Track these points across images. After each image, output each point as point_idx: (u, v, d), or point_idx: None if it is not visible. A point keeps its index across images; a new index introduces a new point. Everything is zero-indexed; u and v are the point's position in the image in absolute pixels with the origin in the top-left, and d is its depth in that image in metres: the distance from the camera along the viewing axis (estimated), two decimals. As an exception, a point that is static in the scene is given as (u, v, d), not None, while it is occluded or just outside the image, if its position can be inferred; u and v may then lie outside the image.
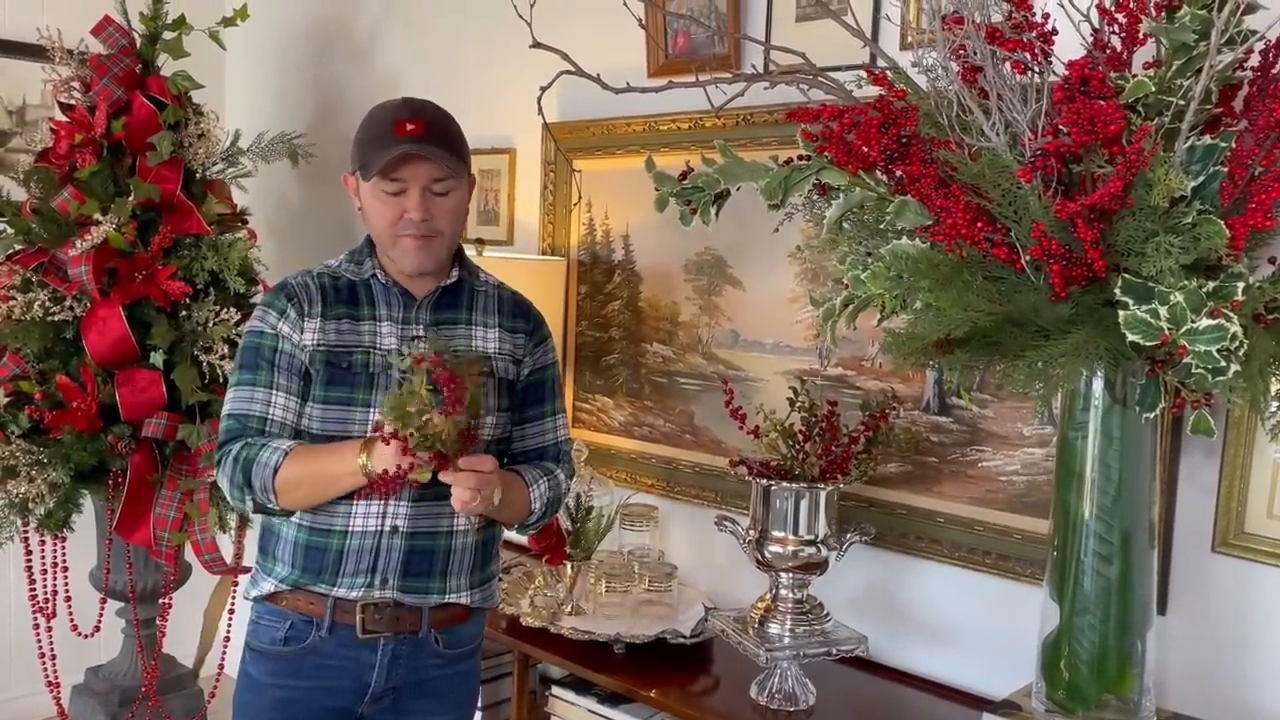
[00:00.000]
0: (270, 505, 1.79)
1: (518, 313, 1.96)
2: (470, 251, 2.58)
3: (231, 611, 3.01)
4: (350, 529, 1.81)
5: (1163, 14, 1.42)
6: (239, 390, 1.84)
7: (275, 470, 1.75)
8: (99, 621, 2.95)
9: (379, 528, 1.81)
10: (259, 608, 1.89)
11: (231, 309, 2.72)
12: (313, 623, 1.83)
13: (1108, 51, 1.49)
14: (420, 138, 1.76)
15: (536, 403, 1.95)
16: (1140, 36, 1.46)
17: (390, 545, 1.81)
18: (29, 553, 2.78)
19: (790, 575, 2.03)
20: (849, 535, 2.04)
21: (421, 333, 1.83)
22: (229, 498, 1.83)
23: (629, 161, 2.63)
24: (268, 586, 1.86)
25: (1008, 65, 1.43)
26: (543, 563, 2.55)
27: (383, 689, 1.86)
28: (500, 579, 2.52)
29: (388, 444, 1.62)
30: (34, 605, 2.84)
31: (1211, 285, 1.30)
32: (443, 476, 1.65)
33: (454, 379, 1.60)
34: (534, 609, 2.40)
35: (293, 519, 1.83)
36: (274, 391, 1.81)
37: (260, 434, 1.80)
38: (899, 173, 1.52)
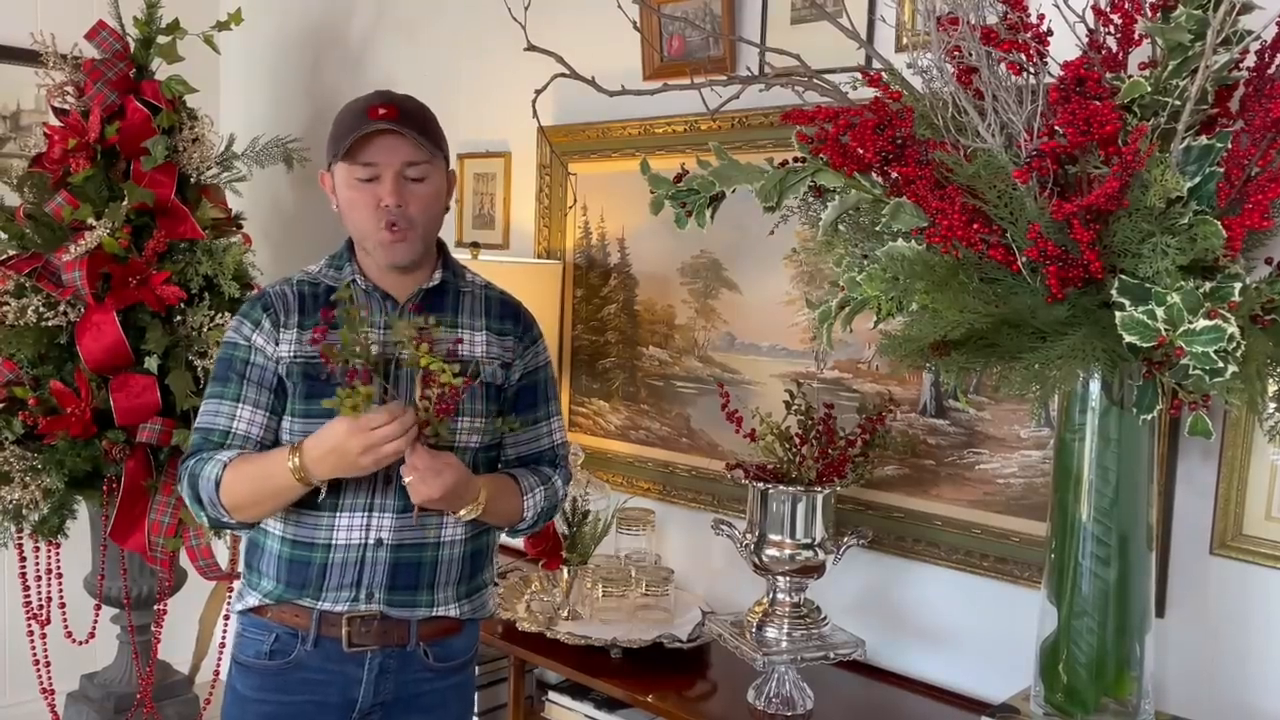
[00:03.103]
0: (224, 519, 1.77)
1: (506, 314, 1.92)
2: (465, 255, 2.58)
3: (227, 618, 3.00)
4: (334, 542, 1.78)
5: (1158, 14, 1.42)
6: (207, 404, 1.82)
7: (217, 483, 1.73)
8: (93, 628, 2.94)
9: (363, 540, 1.78)
10: (244, 620, 1.87)
11: (226, 314, 2.71)
12: (297, 636, 1.80)
13: (1103, 52, 1.49)
14: (393, 120, 1.74)
15: (529, 407, 1.92)
16: (1136, 37, 1.46)
17: (375, 558, 1.78)
18: (23, 559, 2.77)
19: (787, 579, 2.02)
20: (846, 539, 2.04)
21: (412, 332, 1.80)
22: (193, 513, 1.82)
23: (624, 164, 2.62)
24: (252, 600, 1.84)
25: (1003, 66, 1.43)
26: (539, 567, 2.55)
27: (370, 704, 1.83)
28: (496, 584, 2.52)
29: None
30: (28, 612, 2.83)
31: (1208, 286, 1.30)
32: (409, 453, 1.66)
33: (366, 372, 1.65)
34: (530, 614, 2.39)
35: (275, 531, 1.81)
36: (240, 405, 1.79)
37: (220, 448, 1.78)
38: (894, 174, 1.52)
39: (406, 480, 1.68)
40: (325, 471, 1.69)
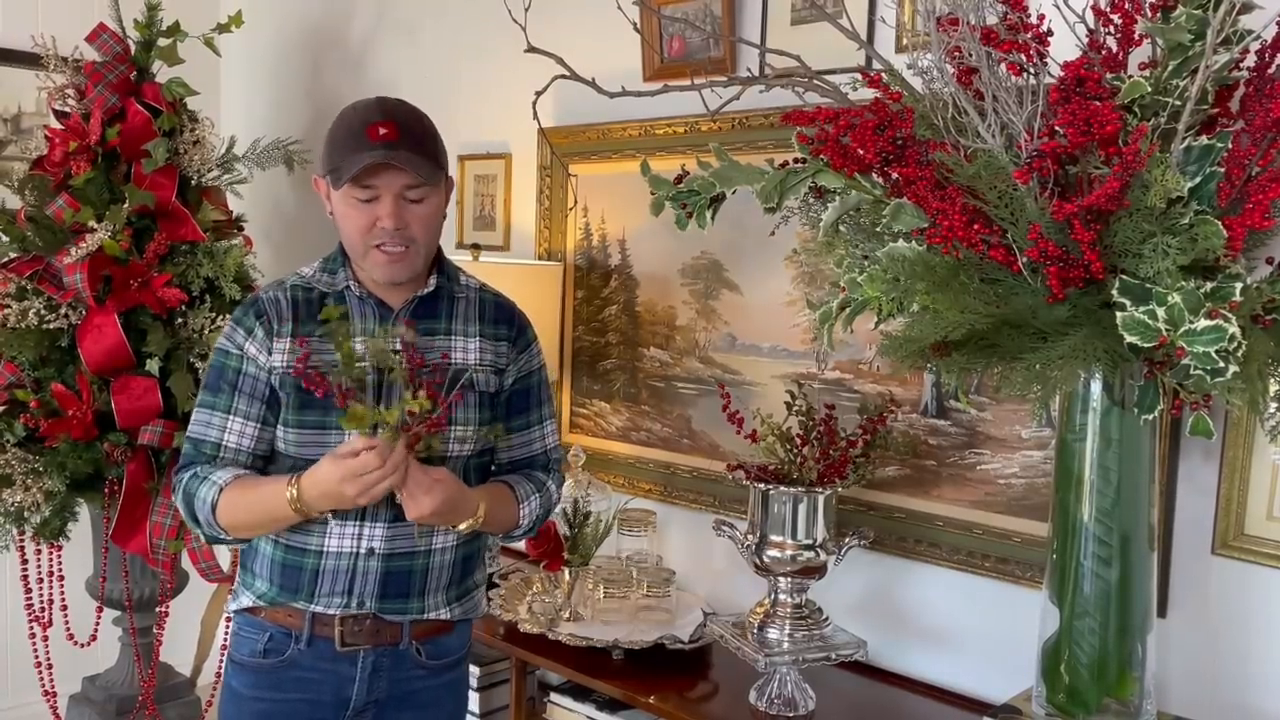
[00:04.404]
0: (222, 537, 1.78)
1: (500, 318, 1.89)
2: (465, 257, 2.58)
3: (229, 620, 2.99)
4: (325, 549, 1.77)
5: (1158, 14, 1.42)
6: (199, 412, 1.81)
7: (213, 506, 1.73)
8: (95, 630, 2.94)
9: (354, 549, 1.77)
10: (239, 619, 1.87)
11: (227, 316, 2.71)
12: (291, 635, 1.80)
13: (1103, 52, 1.49)
14: (393, 143, 1.69)
15: (522, 411, 1.91)
16: (1136, 37, 1.46)
17: (366, 567, 1.77)
18: (25, 561, 2.78)
19: (789, 580, 2.02)
20: (847, 539, 2.03)
21: (399, 346, 1.77)
22: (189, 528, 1.82)
23: (625, 166, 2.62)
24: (246, 600, 1.84)
25: (1003, 66, 1.43)
26: (540, 568, 2.55)
27: (364, 702, 1.83)
28: (496, 585, 2.52)
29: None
30: (30, 614, 2.83)
31: (1209, 286, 1.30)
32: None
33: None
34: (532, 615, 2.39)
35: (269, 535, 1.80)
36: (231, 416, 1.78)
37: (213, 460, 1.78)
38: (895, 175, 1.52)
39: (400, 498, 1.68)
40: (325, 508, 1.70)
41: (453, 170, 3.03)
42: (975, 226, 1.41)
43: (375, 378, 1.72)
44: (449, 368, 1.77)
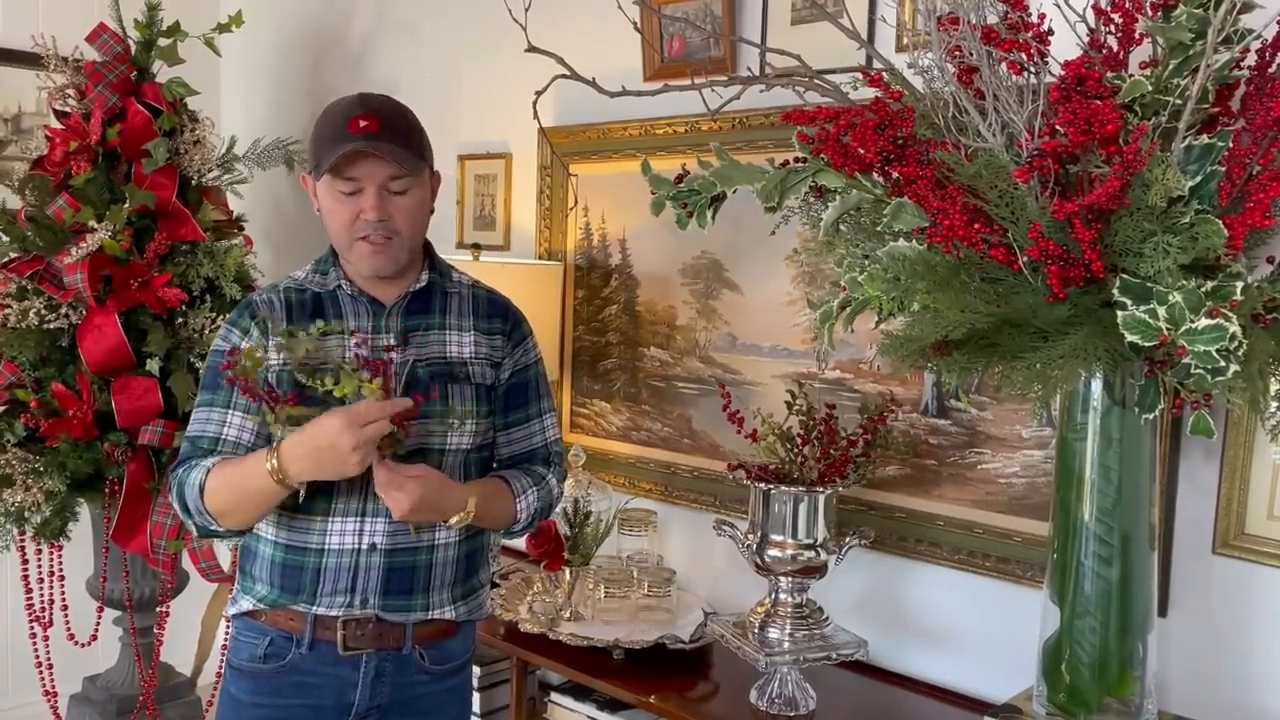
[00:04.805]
0: (212, 526, 1.76)
1: (494, 313, 1.90)
2: (466, 257, 2.58)
3: (229, 620, 2.99)
4: (326, 546, 1.77)
5: (1159, 13, 1.42)
6: (197, 412, 1.81)
7: (201, 489, 1.72)
8: (96, 630, 2.94)
9: (356, 545, 1.76)
10: (238, 624, 1.86)
11: (227, 316, 2.71)
12: (292, 639, 1.79)
13: (1104, 51, 1.49)
14: (374, 134, 1.70)
15: (520, 405, 1.91)
16: (1137, 36, 1.46)
17: (369, 563, 1.77)
18: (25, 561, 2.78)
19: (789, 579, 2.02)
20: (848, 539, 2.03)
21: (392, 341, 1.78)
22: (185, 524, 1.81)
23: (625, 165, 2.62)
24: (246, 604, 1.83)
25: (1004, 66, 1.43)
26: (541, 568, 2.54)
27: (366, 707, 1.81)
28: (497, 585, 2.52)
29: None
30: (30, 614, 2.83)
31: (1210, 285, 1.30)
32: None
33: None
34: (532, 615, 2.39)
35: (267, 536, 1.80)
36: (230, 411, 1.77)
37: (208, 455, 1.77)
38: (895, 174, 1.52)
39: (394, 505, 1.68)
40: (303, 471, 1.67)
41: (453, 170, 3.04)
42: (976, 226, 1.41)
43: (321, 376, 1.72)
44: (406, 363, 1.76)
